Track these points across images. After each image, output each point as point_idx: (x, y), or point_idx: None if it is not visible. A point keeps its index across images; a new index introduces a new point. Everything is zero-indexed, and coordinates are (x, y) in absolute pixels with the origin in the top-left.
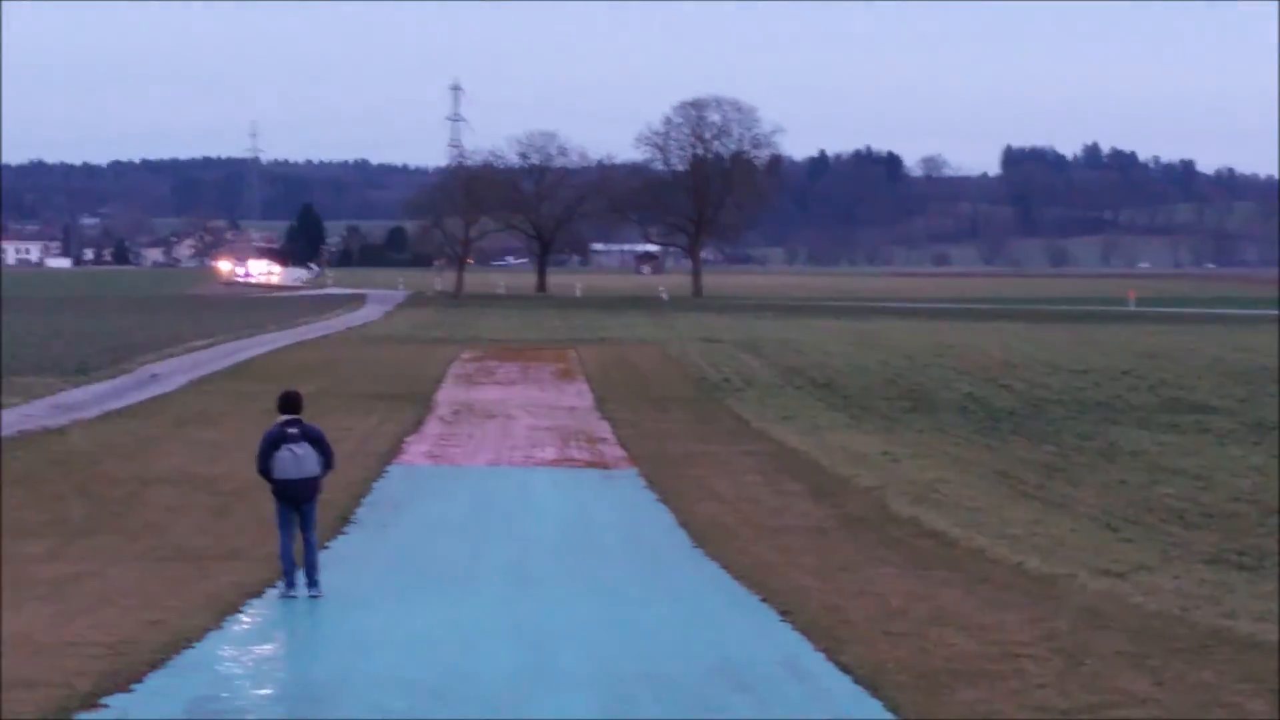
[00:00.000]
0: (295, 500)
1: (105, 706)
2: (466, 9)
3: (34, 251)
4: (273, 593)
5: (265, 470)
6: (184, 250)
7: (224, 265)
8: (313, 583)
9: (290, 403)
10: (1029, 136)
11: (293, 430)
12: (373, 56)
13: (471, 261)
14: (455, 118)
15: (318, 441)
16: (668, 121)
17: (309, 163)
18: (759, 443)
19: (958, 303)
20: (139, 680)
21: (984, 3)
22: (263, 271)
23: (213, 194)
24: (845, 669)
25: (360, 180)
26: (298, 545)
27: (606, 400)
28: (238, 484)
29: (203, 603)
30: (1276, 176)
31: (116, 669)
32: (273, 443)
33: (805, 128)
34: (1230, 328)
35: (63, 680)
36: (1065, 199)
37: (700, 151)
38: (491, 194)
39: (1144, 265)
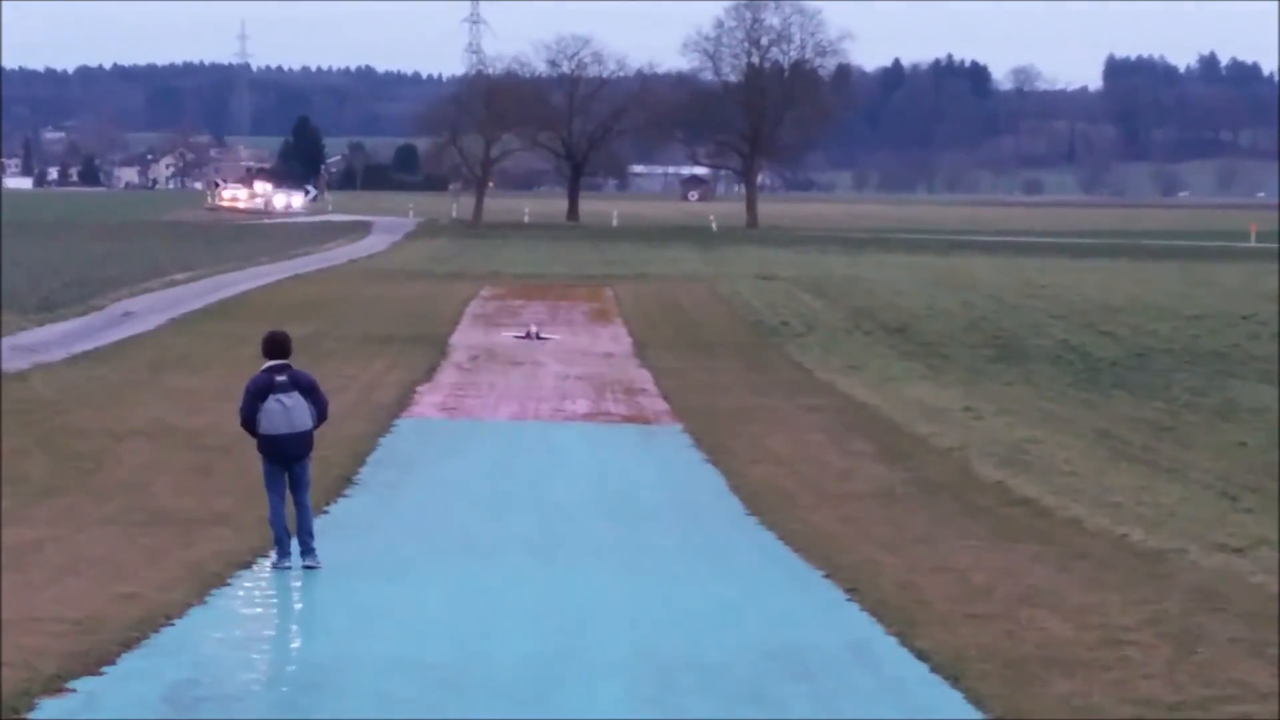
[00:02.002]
0: (285, 458)
1: (72, 691)
2: None
3: None
4: (264, 563)
5: (250, 424)
6: (162, 169)
7: (259, 189)
8: (307, 551)
9: (277, 346)
10: (1135, 45)
11: (281, 378)
12: None
13: (492, 185)
14: (474, 19)
15: (310, 391)
16: (719, 25)
17: (305, 70)
18: (822, 396)
19: (1052, 236)
20: (110, 662)
21: None
22: (233, 197)
23: (195, 105)
24: (921, 655)
25: (364, 91)
26: (291, 509)
27: (647, 346)
28: (223, 438)
29: (183, 574)
30: None
31: (85, 648)
32: (259, 393)
33: (877, 33)
34: None
35: (23, 661)
36: (1177, 117)
37: (756, 60)
38: (515, 107)
39: (1263, 195)
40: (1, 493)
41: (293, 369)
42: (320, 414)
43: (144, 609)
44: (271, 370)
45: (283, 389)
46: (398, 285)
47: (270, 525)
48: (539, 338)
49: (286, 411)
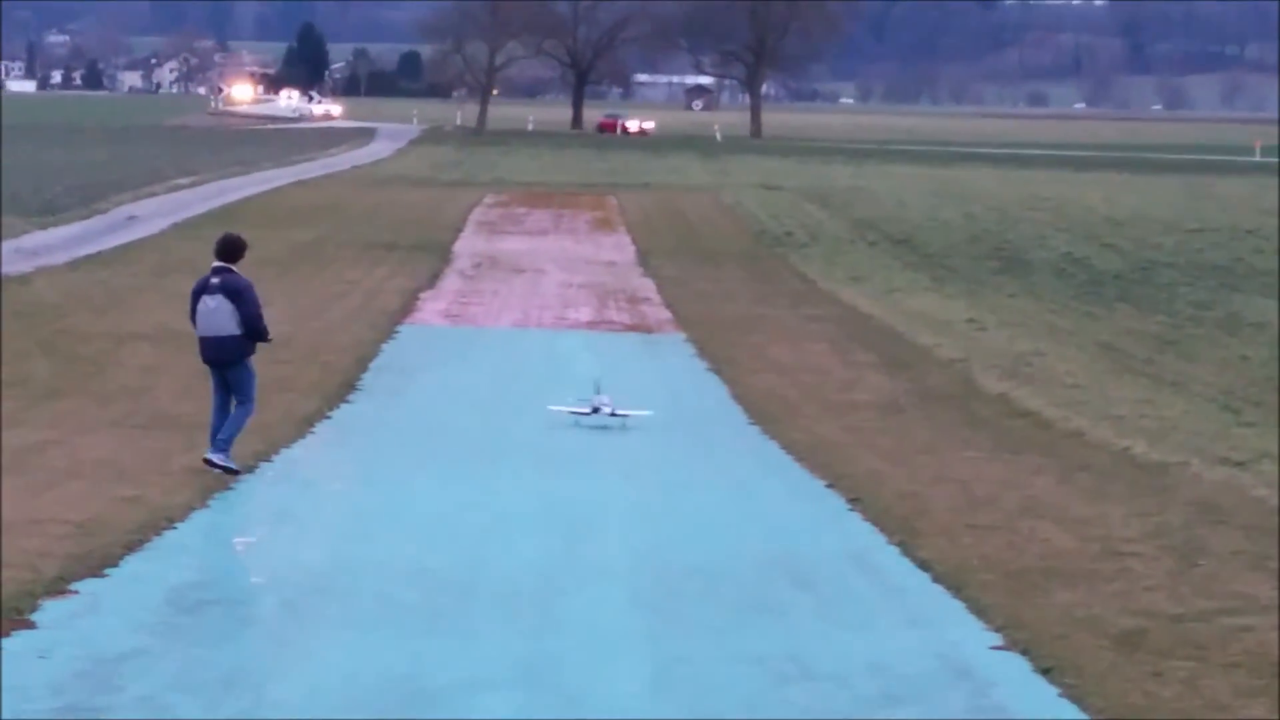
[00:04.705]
0: (208, 360)
1: (75, 593)
2: None
3: None
4: (266, 467)
5: (192, 323)
6: (165, 74)
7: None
8: (217, 448)
9: (223, 248)
10: None
11: (215, 280)
12: None
13: (496, 93)
14: None
15: (234, 296)
16: None
17: None
18: (826, 306)
19: (1056, 149)
20: (113, 564)
21: None
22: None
23: (198, 10)
24: (923, 565)
25: None
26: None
27: (651, 254)
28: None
29: (186, 477)
30: None
31: (87, 551)
32: (195, 293)
33: None
34: None
35: (26, 563)
36: (1182, 31)
37: None
38: (520, 15)
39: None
40: (1, 396)
41: (231, 273)
42: (248, 325)
43: (146, 512)
44: (212, 271)
45: (212, 291)
46: (401, 192)
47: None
48: (615, 415)
49: (208, 313)
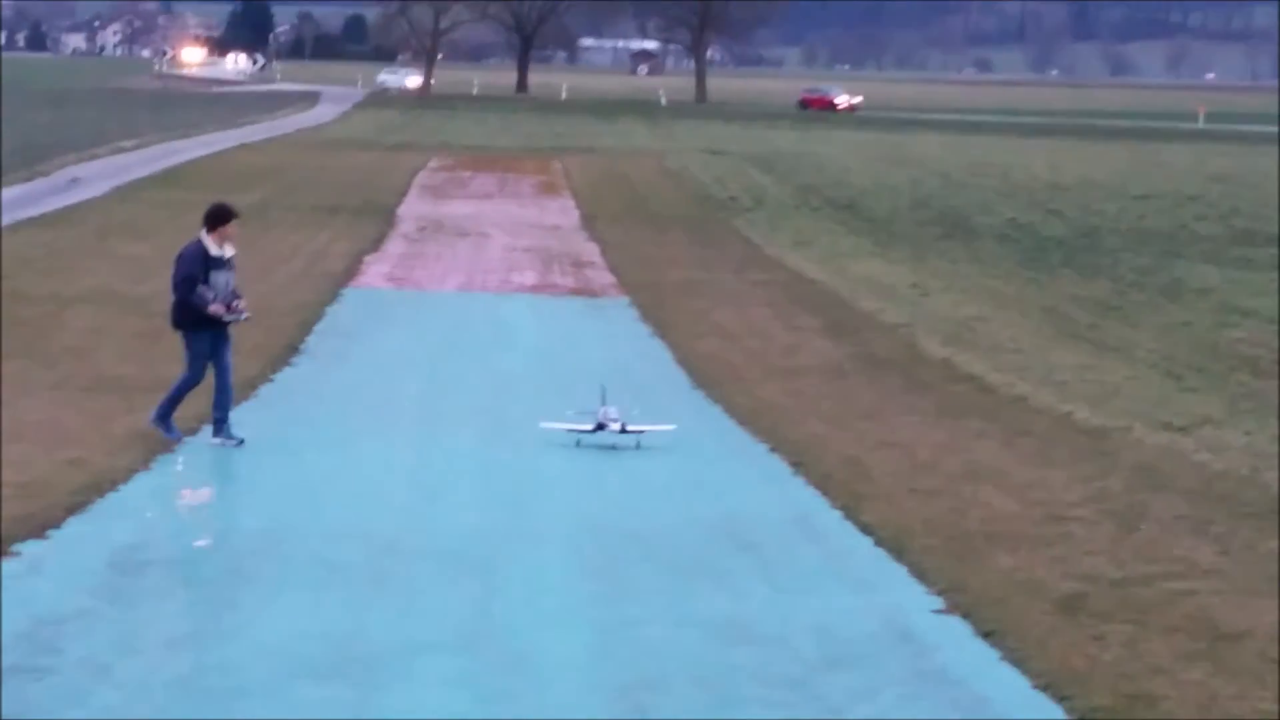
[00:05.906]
0: None
1: (16, 555)
2: None
3: None
4: (209, 429)
5: None
6: (109, 36)
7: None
8: (157, 419)
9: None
10: None
11: None
12: None
13: (441, 56)
14: None
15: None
16: None
17: None
18: (769, 271)
19: (1000, 115)
20: (55, 526)
21: None
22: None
23: None
24: (865, 529)
25: None
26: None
27: (595, 219)
28: (169, 306)
29: (129, 440)
30: None
31: (29, 513)
32: None
33: None
34: None
35: None
36: None
37: None
38: None
39: (1213, 76)
40: None
41: (191, 242)
42: (173, 288)
43: (89, 474)
44: None
45: None
46: (345, 155)
47: None
48: (625, 430)
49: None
